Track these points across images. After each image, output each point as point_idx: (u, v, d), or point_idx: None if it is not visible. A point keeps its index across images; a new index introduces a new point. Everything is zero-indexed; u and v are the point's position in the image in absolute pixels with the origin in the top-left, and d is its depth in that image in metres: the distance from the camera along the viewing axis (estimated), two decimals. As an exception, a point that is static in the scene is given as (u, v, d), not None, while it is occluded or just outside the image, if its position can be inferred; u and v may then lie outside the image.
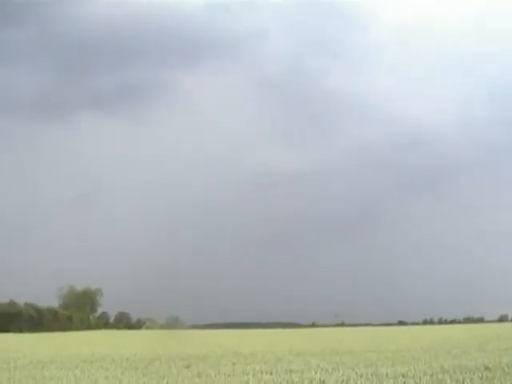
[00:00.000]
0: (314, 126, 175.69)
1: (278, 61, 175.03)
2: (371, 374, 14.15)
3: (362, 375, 14.08)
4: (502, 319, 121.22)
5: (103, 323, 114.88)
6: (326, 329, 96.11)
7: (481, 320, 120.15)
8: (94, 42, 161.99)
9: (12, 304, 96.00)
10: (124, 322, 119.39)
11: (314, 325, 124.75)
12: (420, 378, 13.34)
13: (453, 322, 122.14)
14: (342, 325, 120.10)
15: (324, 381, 13.40)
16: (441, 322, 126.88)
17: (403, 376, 13.75)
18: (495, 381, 12.41)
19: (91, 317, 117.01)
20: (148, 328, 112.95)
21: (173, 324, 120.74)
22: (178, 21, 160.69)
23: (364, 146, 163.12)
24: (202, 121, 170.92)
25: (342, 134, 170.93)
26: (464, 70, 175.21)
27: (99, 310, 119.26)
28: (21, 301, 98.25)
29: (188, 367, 17.93)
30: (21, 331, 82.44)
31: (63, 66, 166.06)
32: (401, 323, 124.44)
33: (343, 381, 13.25)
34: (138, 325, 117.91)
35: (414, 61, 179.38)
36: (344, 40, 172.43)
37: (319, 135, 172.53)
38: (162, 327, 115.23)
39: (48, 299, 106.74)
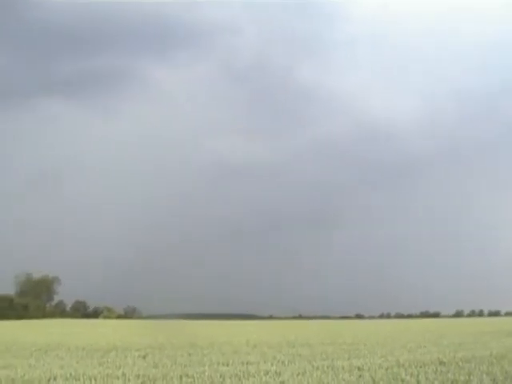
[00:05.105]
0: (279, 118, 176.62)
1: (247, 54, 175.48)
2: (327, 367, 14.22)
3: (318, 368, 14.14)
4: (458, 315, 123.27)
5: (59, 312, 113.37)
6: (283, 321, 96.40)
7: (437, 315, 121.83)
8: (65, 29, 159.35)
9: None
10: (81, 311, 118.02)
11: (271, 317, 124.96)
12: (375, 371, 13.45)
13: (409, 316, 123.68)
14: (300, 317, 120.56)
15: (280, 373, 13.41)
16: (397, 316, 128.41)
17: (359, 369, 13.84)
18: (449, 375, 12.56)
19: (47, 305, 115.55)
20: (105, 317, 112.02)
21: (130, 314, 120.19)
22: (151, 11, 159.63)
23: (328, 140, 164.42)
24: (168, 111, 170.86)
25: (307, 128, 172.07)
26: (429, 67, 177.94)
27: (56, 299, 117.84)
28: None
29: (144, 357, 17.84)
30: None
31: (27, 52, 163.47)
32: (358, 317, 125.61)
33: (299, 373, 13.27)
34: (95, 314, 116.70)
35: (380, 58, 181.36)
36: (313, 36, 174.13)
37: (284, 128, 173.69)
38: (120, 317, 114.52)
39: (4, 287, 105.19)
